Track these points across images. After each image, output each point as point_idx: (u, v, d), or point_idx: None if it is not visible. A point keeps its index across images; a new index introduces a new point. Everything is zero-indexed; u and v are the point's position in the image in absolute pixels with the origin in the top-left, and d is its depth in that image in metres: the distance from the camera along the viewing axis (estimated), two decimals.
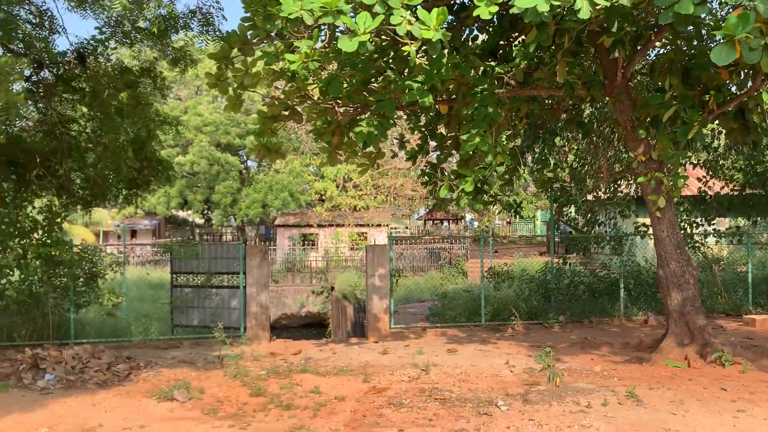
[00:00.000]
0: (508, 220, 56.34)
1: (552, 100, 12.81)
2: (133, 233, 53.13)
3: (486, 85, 9.60)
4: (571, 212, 18.56)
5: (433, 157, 15.26)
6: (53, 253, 11.67)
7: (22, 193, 12.13)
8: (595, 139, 15.39)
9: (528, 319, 13.57)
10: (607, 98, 10.74)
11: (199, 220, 58.83)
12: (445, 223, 61.31)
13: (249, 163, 51.22)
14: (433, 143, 12.82)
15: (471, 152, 9.87)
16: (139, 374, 8.84)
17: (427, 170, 13.19)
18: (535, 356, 9.86)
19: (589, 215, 16.34)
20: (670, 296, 9.45)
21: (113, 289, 12.36)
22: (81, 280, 12.13)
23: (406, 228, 58.61)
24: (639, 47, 9.83)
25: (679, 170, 9.56)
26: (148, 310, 17.06)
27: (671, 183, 9.36)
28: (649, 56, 12.39)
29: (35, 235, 11.80)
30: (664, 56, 10.09)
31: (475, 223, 50.38)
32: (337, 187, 41.73)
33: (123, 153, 10.42)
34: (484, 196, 12.73)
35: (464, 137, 9.78)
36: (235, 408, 7.15)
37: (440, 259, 36.37)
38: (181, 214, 56.90)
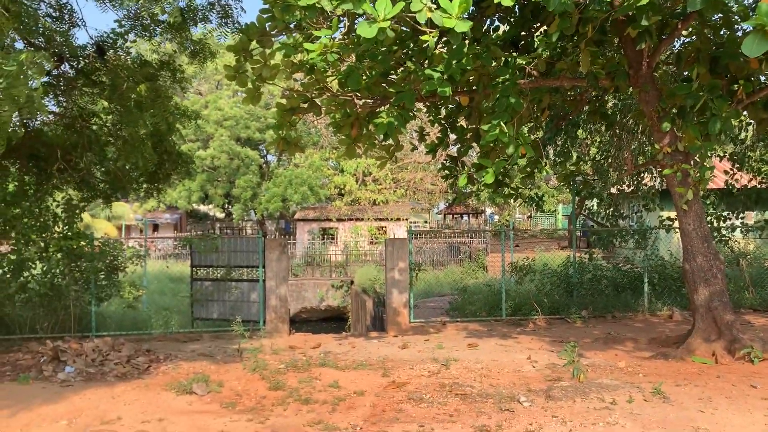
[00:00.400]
0: (529, 214, 55.99)
1: (575, 91, 12.59)
2: (155, 227, 53.64)
3: (508, 76, 9.43)
4: (593, 206, 18.25)
5: (453, 150, 15.10)
6: (74, 246, 11.74)
7: (43, 187, 12.22)
8: (618, 131, 15.10)
9: (550, 314, 13.38)
10: (632, 89, 10.50)
11: (220, 215, 59.24)
12: (465, 217, 61.17)
13: (269, 157, 51.40)
14: (453, 136, 12.67)
15: (492, 143, 9.72)
16: (158, 367, 8.83)
17: (447, 163, 13.05)
18: (558, 351, 9.71)
19: (613, 209, 16.06)
20: (696, 291, 9.23)
21: (134, 282, 12.40)
22: (102, 273, 12.19)
23: (426, 222, 58.46)
24: (665, 36, 9.59)
25: (706, 162, 9.29)
26: (168, 302, 17.15)
27: (698, 175, 9.14)
28: (674, 46, 12.11)
29: (57, 228, 11.90)
30: (691, 45, 9.83)
31: (496, 217, 50.00)
32: (357, 181, 41.69)
33: (142, 146, 10.41)
34: (505, 189, 12.59)
35: (485, 128, 9.61)
36: (254, 402, 7.09)
37: (460, 254, 36.22)
38: (202, 208, 57.30)
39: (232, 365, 9.08)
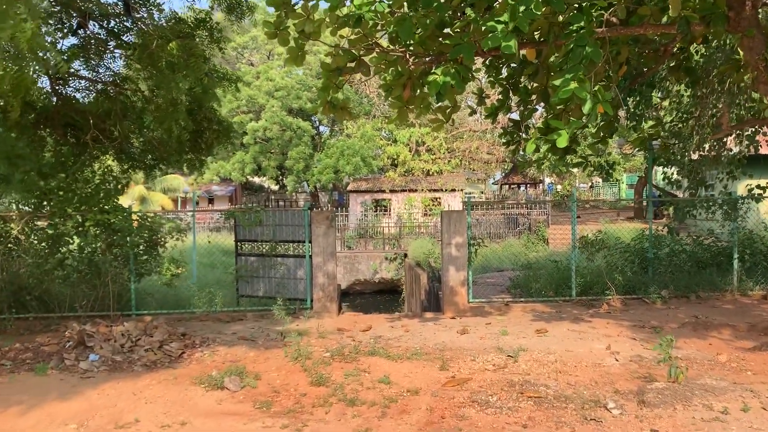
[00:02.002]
0: (591, 183, 53.76)
1: (656, 43, 11.11)
2: (210, 200, 53.95)
3: (583, 23, 8.09)
4: (672, 173, 16.53)
5: (515, 114, 13.79)
6: (112, 220, 11.09)
7: (80, 158, 11.58)
8: (704, 89, 13.43)
9: (624, 294, 12.05)
10: (731, 34, 8.99)
11: (275, 187, 59.13)
12: (523, 188, 59.50)
13: (321, 128, 50.66)
14: (515, 99, 11.39)
15: (565, 102, 8.44)
16: (192, 354, 8.03)
17: (508, 128, 11.79)
18: (641, 339, 8.49)
19: (696, 177, 14.41)
20: None
21: (174, 259, 11.67)
22: (141, 248, 11.53)
23: (482, 193, 57.00)
24: None
25: None
26: (219, 276, 16.52)
27: None
28: None
29: (94, 201, 11.26)
30: None
31: (558, 187, 47.88)
32: (410, 151, 40.48)
33: (175, 112, 9.55)
34: (573, 156, 11.33)
35: (557, 83, 8.31)
36: (292, 401, 6.16)
37: (518, 226, 34.90)
38: (257, 180, 57.28)
39: (274, 352, 8.21)
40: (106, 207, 11.11)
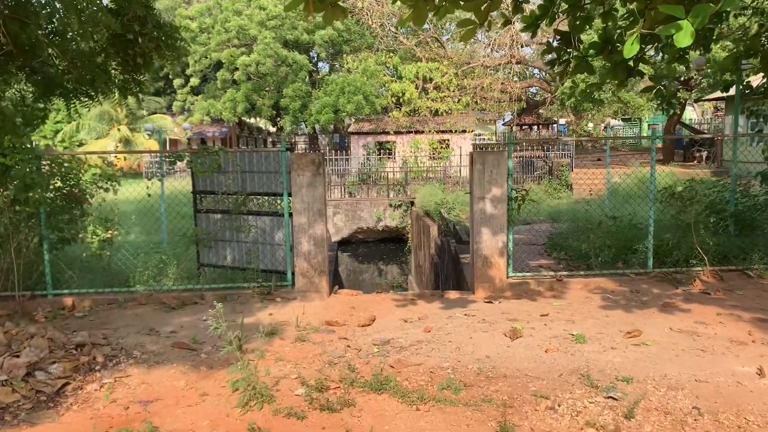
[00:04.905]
0: (606, 123, 50.36)
1: None
2: (202, 141, 50.66)
3: None
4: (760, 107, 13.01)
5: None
6: (9, 165, 7.88)
7: None
8: None
9: (716, 263, 8.88)
10: None
11: (272, 128, 55.65)
12: (535, 129, 56.51)
13: (320, 64, 46.76)
14: (562, 5, 7.95)
15: None
16: (83, 385, 4.91)
17: (555, 41, 8.36)
18: None
19: None
20: None
21: (103, 219, 8.45)
22: (58, 204, 8.33)
23: (492, 134, 53.52)
24: None
25: None
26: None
27: None
28: None
29: None
30: None
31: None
32: (417, 88, 36.67)
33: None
34: (634, 78, 8.09)
35: None
36: None
37: (536, 169, 31.83)
38: (253, 121, 53.73)
39: (218, 375, 5.10)
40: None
